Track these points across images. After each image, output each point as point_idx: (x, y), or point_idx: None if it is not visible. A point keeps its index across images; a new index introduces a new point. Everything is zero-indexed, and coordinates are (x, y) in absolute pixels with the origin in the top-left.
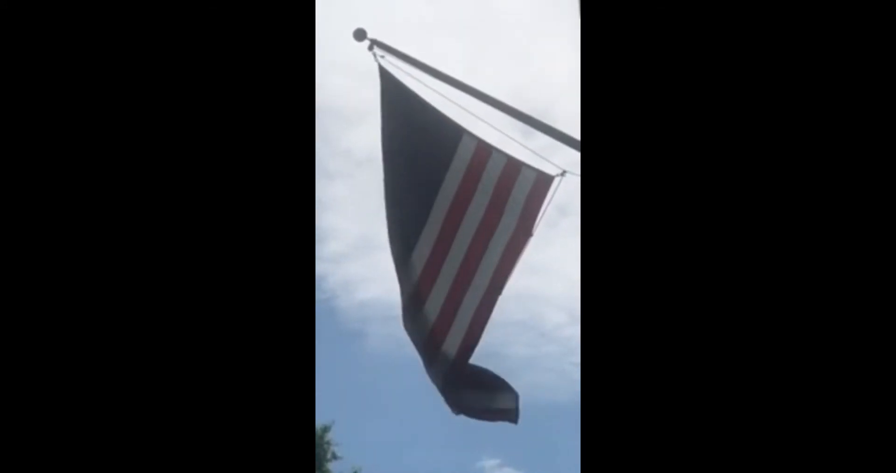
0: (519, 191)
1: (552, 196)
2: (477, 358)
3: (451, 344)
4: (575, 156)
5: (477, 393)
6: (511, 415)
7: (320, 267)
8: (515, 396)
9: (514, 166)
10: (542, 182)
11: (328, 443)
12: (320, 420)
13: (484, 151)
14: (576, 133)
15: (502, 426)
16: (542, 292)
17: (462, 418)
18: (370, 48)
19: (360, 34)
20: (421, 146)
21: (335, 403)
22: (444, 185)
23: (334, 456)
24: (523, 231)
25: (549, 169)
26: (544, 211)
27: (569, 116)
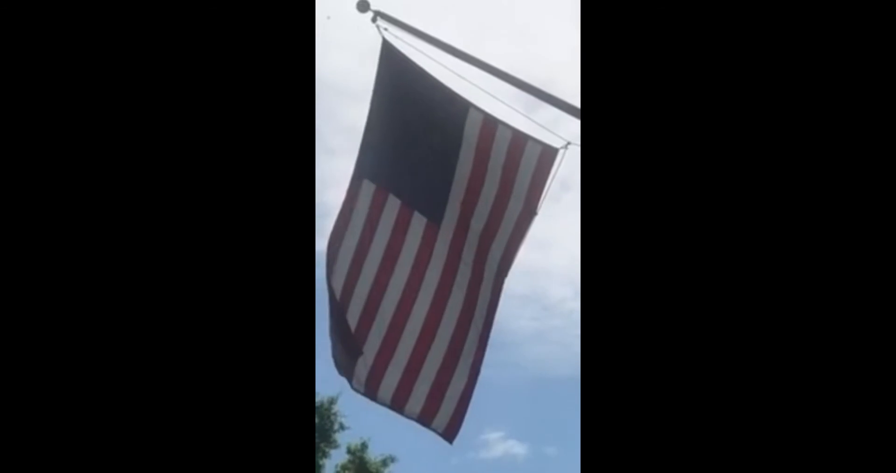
0: (525, 167)
1: (556, 170)
2: None
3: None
4: (579, 128)
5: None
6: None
7: (322, 243)
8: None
9: (519, 140)
10: (547, 156)
11: (335, 414)
12: (327, 391)
13: (490, 124)
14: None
15: (506, 397)
16: (546, 266)
17: None
18: (373, 20)
19: (363, 5)
20: (427, 121)
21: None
22: (458, 167)
23: (342, 427)
24: (528, 211)
25: (554, 141)
26: (548, 187)
27: (571, 91)
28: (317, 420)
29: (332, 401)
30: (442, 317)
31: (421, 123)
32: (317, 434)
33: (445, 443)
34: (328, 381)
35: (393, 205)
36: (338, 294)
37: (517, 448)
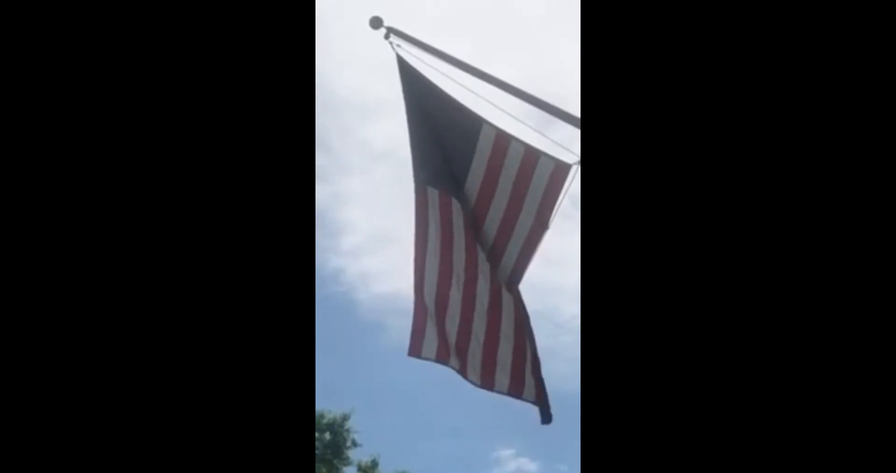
0: (538, 181)
1: (569, 185)
2: None
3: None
4: None
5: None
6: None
7: (338, 261)
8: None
9: (532, 155)
10: (560, 171)
11: (348, 431)
12: (341, 407)
13: (503, 140)
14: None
15: (518, 416)
16: (557, 283)
17: (479, 408)
18: (386, 36)
19: (376, 22)
20: (442, 138)
21: (355, 393)
22: (468, 179)
23: (354, 444)
24: (540, 224)
25: (568, 158)
26: (561, 202)
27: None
28: (329, 437)
29: (345, 418)
30: (501, 318)
31: (434, 141)
32: (329, 451)
33: (457, 460)
34: (342, 397)
35: (458, 207)
36: (433, 298)
37: (529, 466)
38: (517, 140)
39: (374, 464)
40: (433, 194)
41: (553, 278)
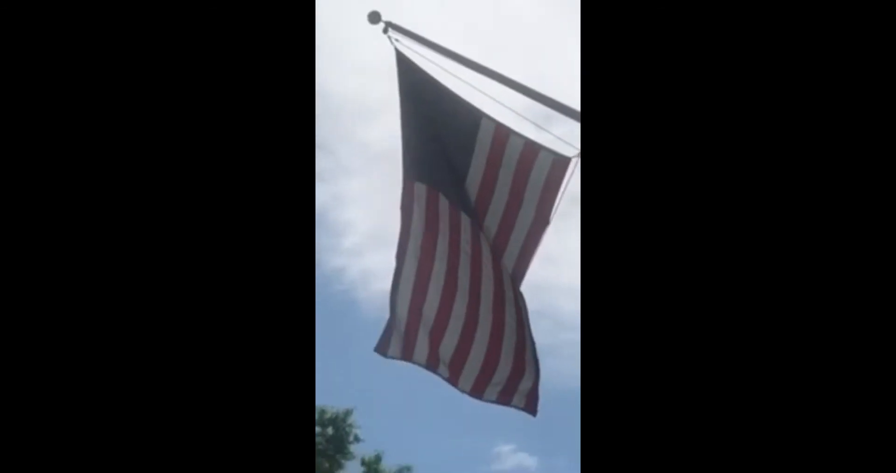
0: (537, 175)
1: (569, 179)
2: None
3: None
4: None
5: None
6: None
7: (339, 260)
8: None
9: (531, 149)
10: (560, 165)
11: (350, 426)
12: (343, 403)
13: (502, 134)
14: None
15: (517, 413)
16: (557, 281)
17: (479, 405)
18: (385, 31)
19: (374, 17)
20: (440, 131)
21: (358, 390)
22: (470, 173)
23: (356, 439)
24: (541, 220)
25: (568, 152)
26: (561, 197)
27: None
28: (332, 432)
29: (347, 413)
30: (479, 312)
31: (439, 131)
32: (332, 446)
33: (458, 456)
34: (344, 393)
35: (445, 204)
36: (409, 295)
37: (528, 460)
38: (516, 134)
39: (378, 459)
40: (420, 189)
41: (552, 276)
